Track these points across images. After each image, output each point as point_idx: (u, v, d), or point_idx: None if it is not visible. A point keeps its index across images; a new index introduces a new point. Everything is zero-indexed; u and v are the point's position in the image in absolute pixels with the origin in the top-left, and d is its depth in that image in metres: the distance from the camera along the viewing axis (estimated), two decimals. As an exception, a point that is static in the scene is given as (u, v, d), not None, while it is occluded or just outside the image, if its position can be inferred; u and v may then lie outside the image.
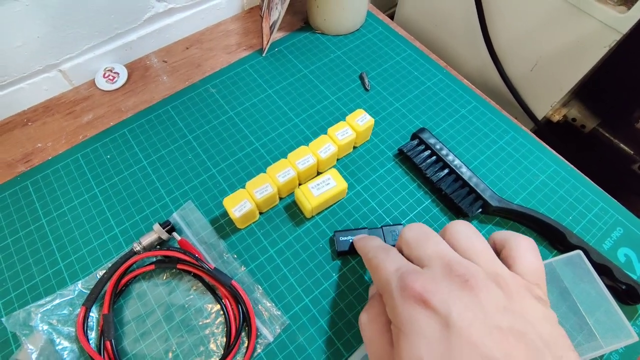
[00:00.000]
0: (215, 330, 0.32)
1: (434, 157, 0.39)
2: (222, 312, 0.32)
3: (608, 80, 0.52)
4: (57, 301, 0.32)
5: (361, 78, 0.48)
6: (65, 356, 0.30)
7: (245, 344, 0.31)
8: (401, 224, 0.36)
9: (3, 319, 0.32)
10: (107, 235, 0.36)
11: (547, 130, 0.60)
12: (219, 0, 0.51)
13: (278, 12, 0.46)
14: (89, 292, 0.32)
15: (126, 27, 0.46)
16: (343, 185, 0.36)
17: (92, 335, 0.31)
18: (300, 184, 0.38)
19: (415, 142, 0.41)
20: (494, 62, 0.59)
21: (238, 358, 0.30)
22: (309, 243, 0.36)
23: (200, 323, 0.32)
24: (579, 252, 0.32)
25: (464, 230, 0.23)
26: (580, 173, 0.41)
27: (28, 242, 0.36)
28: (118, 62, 0.48)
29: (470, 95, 0.46)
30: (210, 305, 0.33)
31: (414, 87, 0.47)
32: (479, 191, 0.37)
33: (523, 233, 0.35)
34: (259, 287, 0.34)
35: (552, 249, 0.36)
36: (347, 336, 0.32)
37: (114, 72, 0.47)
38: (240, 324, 0.31)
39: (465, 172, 0.38)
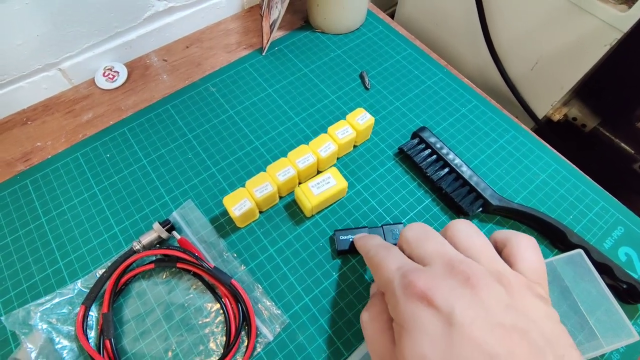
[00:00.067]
0: (215, 329, 0.32)
1: (434, 156, 0.39)
2: (221, 311, 0.32)
3: (609, 79, 0.51)
4: (57, 300, 0.32)
5: (361, 77, 0.48)
6: (64, 355, 0.30)
7: (245, 343, 0.31)
8: (401, 223, 0.36)
9: (2, 318, 0.32)
10: (107, 234, 0.36)
11: (547, 130, 0.59)
12: (219, -1, 0.51)
13: (278, 11, 0.46)
14: (88, 291, 0.32)
15: (126, 25, 0.46)
16: (343, 184, 0.36)
17: (92, 334, 0.31)
18: (300, 183, 0.38)
19: (416, 141, 0.40)
20: (495, 61, 0.59)
21: (238, 357, 0.30)
22: (309, 242, 0.36)
23: (200, 322, 0.32)
24: (579, 251, 0.32)
25: (465, 228, 0.23)
26: (581, 172, 0.41)
27: (27, 241, 0.36)
28: (118, 61, 0.48)
29: (471, 94, 0.46)
30: (209, 304, 0.33)
31: (414, 86, 0.47)
32: (479, 190, 0.36)
33: (524, 232, 0.35)
34: (259, 286, 0.34)
35: (553, 248, 0.36)
36: (347, 335, 0.32)
37: (114, 71, 0.47)
38: (240, 323, 0.31)
39: (465, 171, 0.38)
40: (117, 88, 0.46)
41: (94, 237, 0.36)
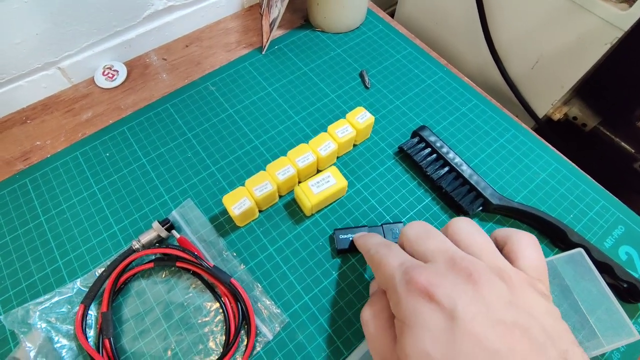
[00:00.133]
0: (215, 329, 0.32)
1: (434, 155, 0.39)
2: (221, 310, 0.32)
3: (609, 78, 0.51)
4: (56, 299, 0.32)
5: (361, 76, 0.47)
6: (63, 354, 0.30)
7: (245, 342, 0.31)
8: (401, 222, 0.36)
9: (1, 317, 0.31)
10: (106, 233, 0.36)
11: (548, 129, 0.59)
12: (219, -3, 0.51)
13: (278, 10, 0.46)
14: (87, 290, 0.32)
15: (125, 24, 0.46)
16: (343, 183, 0.36)
17: (91, 333, 0.31)
18: (300, 182, 0.38)
19: (416, 140, 0.40)
20: (495, 60, 0.59)
21: (237, 356, 0.30)
22: (309, 241, 0.36)
23: (200, 321, 0.32)
24: (580, 250, 0.32)
25: (466, 226, 0.23)
26: (581, 171, 0.41)
27: (27, 240, 0.36)
28: (117, 60, 0.48)
29: (471, 93, 0.46)
30: (209, 304, 0.33)
31: (414, 85, 0.47)
32: (479, 189, 0.36)
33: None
34: (259, 285, 0.33)
35: (553, 247, 0.36)
36: (347, 334, 0.32)
37: (114, 70, 0.47)
38: (240, 322, 0.31)
39: (465, 170, 0.37)
40: (116, 87, 0.46)
41: (93, 236, 0.36)
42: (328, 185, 0.35)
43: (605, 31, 0.45)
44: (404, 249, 0.24)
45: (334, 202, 0.38)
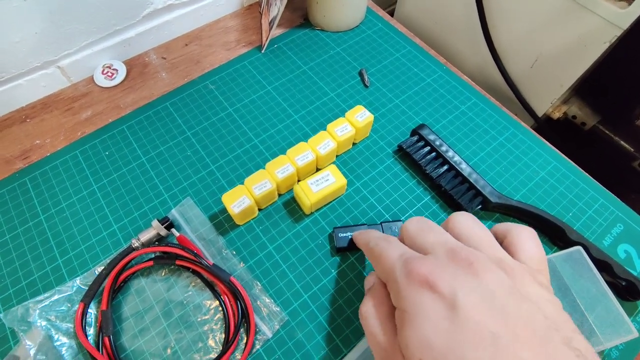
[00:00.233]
0: (214, 327, 0.32)
1: (433, 154, 0.39)
2: (220, 309, 0.32)
3: (608, 77, 0.51)
4: (56, 297, 0.32)
5: (361, 74, 0.47)
6: (63, 352, 0.30)
7: (244, 340, 0.31)
8: (400, 220, 0.36)
9: (1, 315, 0.32)
10: (106, 231, 0.36)
11: (547, 128, 0.59)
12: (218, -4, 0.51)
13: (277, 9, 0.46)
14: (87, 288, 0.32)
15: (125, 23, 0.46)
16: (342, 181, 0.36)
17: (91, 331, 0.31)
18: (299, 180, 0.38)
19: (415, 138, 0.40)
20: (494, 59, 0.59)
21: (237, 354, 0.30)
22: (308, 239, 0.36)
23: (199, 319, 0.32)
24: (578, 248, 0.32)
25: (465, 220, 0.23)
26: (581, 169, 0.41)
27: (26, 238, 0.36)
28: (117, 59, 0.48)
29: (470, 92, 0.46)
30: (209, 302, 0.33)
31: (413, 84, 0.47)
32: (478, 187, 0.36)
33: (523, 229, 0.35)
34: (258, 283, 0.34)
35: (552, 245, 0.36)
36: (346, 332, 0.32)
37: (113, 69, 0.47)
38: (239, 320, 0.31)
39: (465, 169, 0.37)
40: (116, 86, 0.46)
41: (93, 234, 0.36)
42: (327, 183, 0.35)
43: (605, 30, 0.45)
44: (403, 243, 0.24)
45: (333, 200, 0.38)
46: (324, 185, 0.35)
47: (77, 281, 0.33)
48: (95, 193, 0.38)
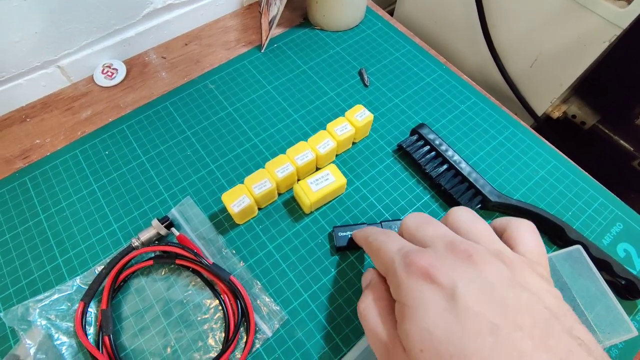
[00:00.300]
0: (214, 326, 0.32)
1: (433, 153, 0.39)
2: (220, 308, 0.32)
3: (608, 76, 0.51)
4: (56, 296, 0.32)
5: (360, 74, 0.47)
6: (63, 351, 0.30)
7: (244, 339, 0.31)
8: (400, 220, 0.36)
9: (1, 314, 0.32)
10: (106, 231, 0.36)
11: (547, 127, 0.59)
12: (218, -4, 0.51)
13: (277, 8, 0.46)
14: (87, 287, 0.32)
15: (125, 22, 0.46)
16: (342, 180, 0.36)
17: (91, 330, 0.31)
18: (299, 180, 0.38)
19: (415, 137, 0.40)
20: (494, 59, 0.59)
21: (237, 353, 0.30)
22: (308, 239, 0.36)
23: (199, 318, 0.32)
24: (578, 247, 0.32)
25: (464, 214, 0.24)
26: (580, 169, 0.41)
27: (26, 237, 0.36)
28: (117, 58, 0.48)
29: (470, 91, 0.46)
30: (208, 301, 0.33)
31: (413, 83, 0.47)
32: (478, 186, 0.36)
33: (522, 228, 0.35)
34: (258, 282, 0.34)
35: (552, 244, 0.36)
36: (346, 331, 0.32)
37: (113, 68, 0.47)
38: (239, 319, 0.31)
39: (464, 168, 0.37)
40: (115, 85, 0.46)
41: (93, 234, 0.36)
42: (327, 182, 0.35)
43: (604, 29, 0.45)
44: (402, 237, 0.24)
45: (333, 199, 0.38)
46: (323, 185, 0.35)
47: (77, 280, 0.33)
48: (95, 192, 0.38)
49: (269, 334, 0.31)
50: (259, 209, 0.38)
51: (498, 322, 0.17)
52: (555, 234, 0.36)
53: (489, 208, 0.37)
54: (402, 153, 0.41)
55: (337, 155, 0.41)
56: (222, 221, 0.37)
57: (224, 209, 0.37)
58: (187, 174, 0.40)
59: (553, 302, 0.19)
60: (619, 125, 0.56)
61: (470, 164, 0.38)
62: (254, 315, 0.32)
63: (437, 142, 0.39)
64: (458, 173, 0.38)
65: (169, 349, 0.31)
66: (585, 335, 0.18)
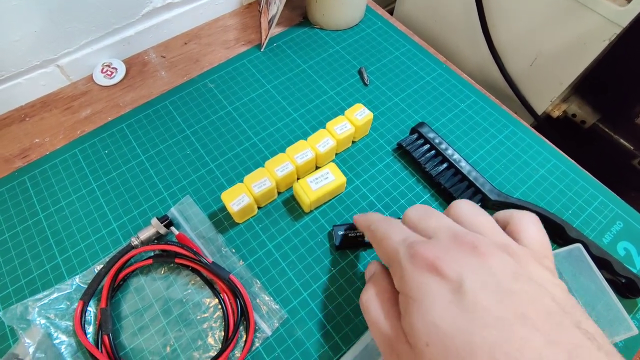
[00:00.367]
0: (214, 325, 0.32)
1: (433, 152, 0.39)
2: (220, 306, 0.32)
3: (608, 75, 0.51)
4: (55, 295, 0.32)
5: (360, 73, 0.47)
6: (62, 350, 0.30)
7: (244, 338, 0.31)
8: (400, 219, 0.36)
9: (0, 313, 0.31)
10: (105, 230, 0.36)
11: (547, 126, 0.59)
12: (217, -5, 0.51)
13: (276, 7, 0.46)
14: (86, 286, 0.32)
15: (124, 22, 0.46)
16: (342, 179, 0.36)
17: (90, 329, 0.31)
18: (298, 178, 0.38)
19: (415, 136, 0.40)
20: (494, 57, 0.59)
21: (236, 352, 0.30)
22: (308, 237, 0.36)
23: (198, 317, 0.32)
24: (578, 245, 0.32)
25: (467, 207, 0.23)
26: (580, 167, 0.41)
27: (26, 237, 0.36)
28: (116, 57, 0.48)
29: (470, 90, 0.46)
30: (208, 300, 0.33)
31: (413, 82, 0.47)
32: (478, 185, 0.36)
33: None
34: (257, 281, 0.34)
35: (552, 243, 0.36)
36: (346, 330, 0.32)
37: (112, 67, 0.47)
38: (239, 318, 0.31)
39: (464, 166, 0.37)
40: (115, 84, 0.46)
41: (92, 233, 0.36)
42: (327, 181, 0.35)
43: (604, 28, 0.45)
44: None
45: (333, 198, 0.38)
46: (323, 183, 0.35)
47: (77, 279, 0.33)
48: (95, 191, 0.38)
49: (269, 332, 0.31)
50: (259, 207, 0.37)
51: (505, 315, 0.17)
52: (555, 233, 0.35)
53: (489, 207, 0.37)
54: (402, 152, 0.41)
55: (336, 154, 0.41)
56: (221, 220, 0.37)
57: (223, 208, 0.37)
58: (187, 173, 0.40)
59: (560, 294, 0.18)
60: (619, 124, 0.56)
61: (470, 163, 0.38)
62: (254, 314, 0.31)
63: (436, 140, 0.39)
64: (458, 172, 0.38)
65: (168, 348, 0.31)
66: (593, 329, 0.17)
